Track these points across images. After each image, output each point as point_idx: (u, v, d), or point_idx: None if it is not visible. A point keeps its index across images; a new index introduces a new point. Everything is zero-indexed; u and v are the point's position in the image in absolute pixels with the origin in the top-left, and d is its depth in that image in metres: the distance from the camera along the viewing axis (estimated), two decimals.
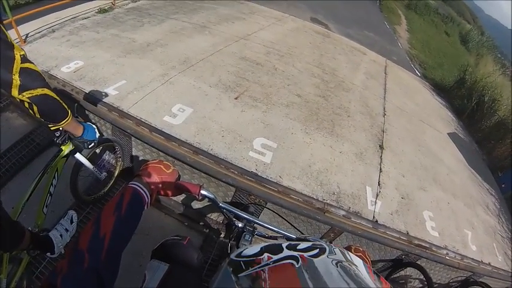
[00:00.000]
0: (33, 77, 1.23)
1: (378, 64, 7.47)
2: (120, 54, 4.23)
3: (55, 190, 1.95)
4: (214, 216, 2.66)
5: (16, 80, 1.17)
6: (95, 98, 3.25)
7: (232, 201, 2.36)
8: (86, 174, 2.45)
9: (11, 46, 1.17)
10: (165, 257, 0.87)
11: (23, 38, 4.12)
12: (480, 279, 3.09)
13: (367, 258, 1.20)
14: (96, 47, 4.26)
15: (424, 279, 2.66)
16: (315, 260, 0.64)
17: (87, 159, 2.14)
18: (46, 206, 1.87)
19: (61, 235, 1.70)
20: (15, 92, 1.19)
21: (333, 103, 4.82)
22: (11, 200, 1.71)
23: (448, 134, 5.65)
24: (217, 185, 2.28)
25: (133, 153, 3.16)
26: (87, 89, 3.39)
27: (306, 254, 0.66)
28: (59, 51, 4.01)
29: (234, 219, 1.19)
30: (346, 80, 5.73)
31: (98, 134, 1.76)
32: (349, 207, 3.10)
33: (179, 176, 1.03)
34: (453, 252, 3.16)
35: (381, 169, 3.78)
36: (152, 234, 2.62)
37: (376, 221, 3.06)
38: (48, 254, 1.64)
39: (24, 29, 4.27)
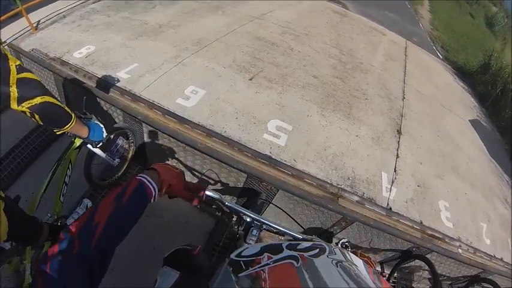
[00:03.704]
0: (31, 86, 1.18)
1: (397, 45, 7.15)
2: (131, 37, 4.18)
3: (70, 179, 1.99)
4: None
5: (14, 92, 1.12)
6: (107, 82, 3.23)
7: (244, 187, 2.34)
8: (99, 162, 2.46)
9: (5, 58, 1.12)
10: (176, 264, 0.86)
11: (34, 25, 4.12)
12: (489, 277, 2.97)
13: (372, 264, 1.18)
14: (108, 31, 4.22)
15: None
16: (315, 259, 0.64)
17: (100, 148, 2.09)
18: (62, 195, 1.92)
19: None
20: (14, 105, 1.15)
21: (350, 85, 4.66)
22: (28, 189, 1.83)
23: (469, 120, 5.42)
24: (228, 171, 2.25)
25: (145, 139, 3.15)
26: (99, 74, 3.40)
27: (306, 254, 0.66)
28: (70, 37, 4.00)
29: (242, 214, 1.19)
30: (364, 61, 5.51)
31: (105, 134, 1.73)
32: (363, 193, 3.04)
33: (184, 177, 1.02)
34: (466, 244, 3.08)
35: (397, 155, 3.67)
36: (165, 217, 2.63)
37: (390, 208, 3.00)
38: None
39: (34, 16, 4.25)
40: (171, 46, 4.14)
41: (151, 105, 3.03)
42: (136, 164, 2.88)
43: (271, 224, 1.04)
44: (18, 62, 1.17)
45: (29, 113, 1.21)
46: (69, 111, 1.36)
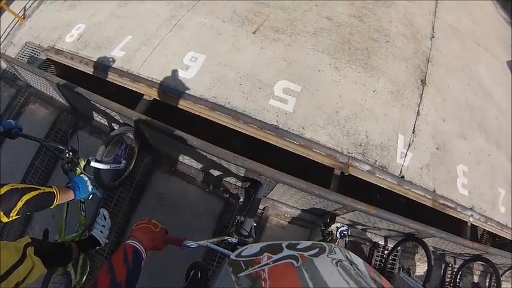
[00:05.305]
0: (8, 198, 1.25)
1: None
2: (121, 2, 3.80)
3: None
4: (233, 181, 2.60)
5: None
6: (103, 65, 3.17)
7: (245, 177, 2.26)
8: (107, 170, 2.41)
9: None
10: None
11: (21, 15, 3.94)
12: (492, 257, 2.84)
13: None
14: (94, 1, 3.89)
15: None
16: (314, 259, 0.63)
17: (104, 157, 2.18)
18: (83, 211, 2.13)
19: (101, 231, 2.10)
20: (4, 219, 1.23)
21: (369, 25, 4.06)
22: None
23: (507, 62, 4.71)
24: (228, 164, 2.16)
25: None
26: (94, 57, 3.27)
27: (305, 254, 0.66)
28: (58, 19, 3.79)
29: (227, 237, 1.19)
30: None
31: (90, 188, 1.72)
32: (376, 161, 2.89)
33: (167, 231, 1.09)
34: (478, 213, 2.99)
35: (418, 112, 3.35)
36: (178, 204, 2.67)
37: (403, 176, 2.86)
38: (97, 247, 2.08)
39: (18, 5, 4.03)
40: (164, 5, 3.71)
41: (151, 85, 2.91)
42: (145, 154, 2.82)
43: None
44: None
45: (19, 216, 1.31)
46: (49, 189, 1.42)
